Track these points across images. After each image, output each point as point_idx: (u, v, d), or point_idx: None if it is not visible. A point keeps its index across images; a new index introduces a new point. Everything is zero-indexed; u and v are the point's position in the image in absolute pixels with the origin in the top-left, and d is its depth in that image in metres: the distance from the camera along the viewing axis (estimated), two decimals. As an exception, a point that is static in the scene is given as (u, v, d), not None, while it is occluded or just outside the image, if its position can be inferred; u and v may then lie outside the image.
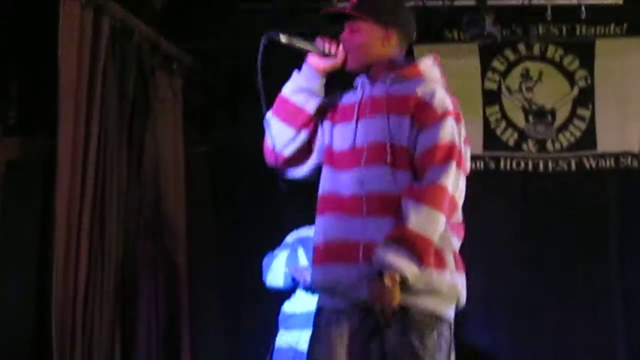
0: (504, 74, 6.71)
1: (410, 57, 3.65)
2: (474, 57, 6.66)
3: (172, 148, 6.16)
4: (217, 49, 6.55)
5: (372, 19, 3.44)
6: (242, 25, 6.45)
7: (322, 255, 3.38)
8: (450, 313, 3.34)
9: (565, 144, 6.64)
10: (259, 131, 6.43)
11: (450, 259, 3.31)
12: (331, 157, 3.46)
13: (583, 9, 6.05)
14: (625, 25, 6.62)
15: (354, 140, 3.39)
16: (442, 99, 3.34)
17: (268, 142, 3.53)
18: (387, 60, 3.45)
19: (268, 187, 6.39)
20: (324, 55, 3.44)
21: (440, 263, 3.27)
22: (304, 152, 3.53)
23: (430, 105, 3.31)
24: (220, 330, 6.62)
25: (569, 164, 6.63)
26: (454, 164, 3.26)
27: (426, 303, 3.25)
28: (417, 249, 3.17)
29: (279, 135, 3.48)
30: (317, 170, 3.54)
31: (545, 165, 6.65)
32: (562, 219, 6.52)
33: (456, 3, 6.05)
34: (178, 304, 6.06)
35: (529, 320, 6.43)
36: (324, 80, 3.50)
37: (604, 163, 6.61)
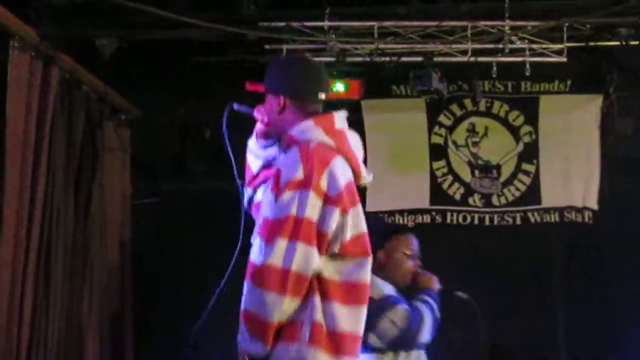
0: (451, 129, 6.79)
1: (327, 111, 3.55)
2: (421, 112, 6.73)
3: (119, 198, 6.14)
4: (165, 100, 6.57)
5: (266, 91, 3.54)
6: (189, 77, 6.49)
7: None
8: None
9: (510, 198, 6.72)
10: (205, 181, 6.55)
11: (304, 332, 3.21)
12: None
13: (528, 65, 6.14)
14: (569, 82, 6.76)
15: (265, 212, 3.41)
16: (290, 168, 3.27)
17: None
18: (290, 127, 3.45)
19: (214, 235, 6.50)
20: (254, 119, 3.56)
21: (291, 337, 3.21)
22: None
23: (278, 177, 3.28)
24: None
25: (514, 218, 6.71)
26: (284, 239, 3.17)
27: None
28: (255, 330, 3.18)
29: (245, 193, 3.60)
30: None
31: (491, 219, 6.71)
32: (508, 272, 6.57)
33: (403, 59, 6.11)
34: (123, 356, 6.00)
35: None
36: (263, 143, 3.56)
37: (548, 217, 6.69)
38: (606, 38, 6.25)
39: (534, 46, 6.14)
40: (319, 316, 3.22)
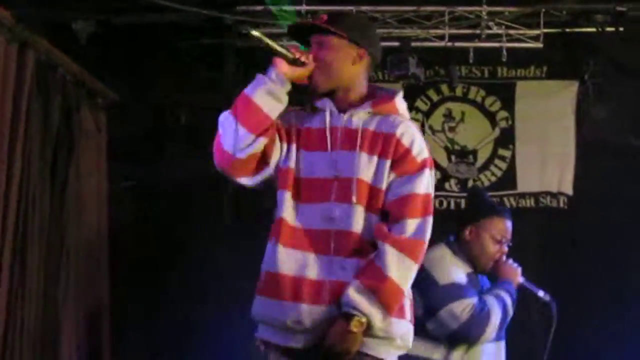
0: (427, 114, 6.80)
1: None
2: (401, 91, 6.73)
3: (95, 183, 6.12)
4: (141, 83, 6.55)
5: (346, 36, 3.29)
6: (166, 61, 6.47)
7: (278, 288, 3.20)
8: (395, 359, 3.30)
9: (486, 183, 6.74)
10: (183, 165, 6.53)
11: (408, 309, 3.29)
12: (296, 185, 3.26)
13: (504, 51, 6.17)
14: (545, 68, 6.78)
15: (326, 172, 3.24)
16: (422, 146, 3.28)
17: (222, 142, 3.20)
18: (359, 86, 3.34)
19: (192, 218, 6.50)
20: (292, 62, 3.22)
21: (401, 313, 3.24)
22: (257, 160, 3.25)
23: (411, 152, 3.24)
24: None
25: (491, 203, 6.72)
26: (430, 218, 3.23)
27: (379, 349, 3.21)
28: (391, 300, 3.14)
29: (236, 137, 3.18)
30: (265, 183, 3.31)
31: (467, 204, 6.73)
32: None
33: (380, 44, 6.11)
34: (100, 343, 6.00)
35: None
36: (290, 89, 3.24)
37: (524, 202, 6.73)
38: (582, 24, 6.29)
39: (511, 32, 6.18)
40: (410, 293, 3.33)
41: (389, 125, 3.27)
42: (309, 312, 3.15)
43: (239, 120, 3.18)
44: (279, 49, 3.23)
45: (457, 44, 6.18)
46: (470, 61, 6.29)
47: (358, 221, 3.19)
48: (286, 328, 3.18)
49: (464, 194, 6.70)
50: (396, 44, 6.11)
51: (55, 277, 5.48)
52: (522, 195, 6.74)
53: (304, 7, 5.94)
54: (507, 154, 6.77)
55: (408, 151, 3.24)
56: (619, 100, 6.78)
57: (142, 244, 6.61)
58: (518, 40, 6.19)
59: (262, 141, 3.22)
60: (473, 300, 4.31)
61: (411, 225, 3.18)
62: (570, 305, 6.43)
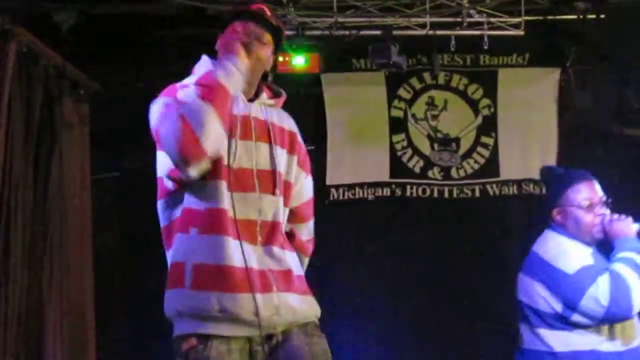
0: (410, 102, 6.82)
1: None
2: (381, 86, 6.76)
3: (78, 173, 6.11)
4: (124, 74, 6.54)
5: (273, 39, 3.29)
6: (148, 52, 6.46)
7: (215, 279, 3.11)
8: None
9: (469, 171, 6.77)
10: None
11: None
12: (225, 173, 3.13)
13: (486, 39, 6.18)
14: (527, 55, 6.81)
15: (252, 162, 3.20)
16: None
17: (198, 132, 2.98)
18: (257, 80, 3.31)
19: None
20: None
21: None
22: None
23: (306, 154, 3.46)
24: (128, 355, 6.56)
25: (473, 191, 6.76)
26: None
27: None
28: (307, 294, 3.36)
29: (217, 134, 3.03)
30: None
31: (450, 192, 6.76)
32: (467, 243, 6.64)
33: (362, 33, 6.13)
34: (85, 334, 5.99)
35: (434, 336, 6.54)
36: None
37: (506, 190, 6.75)
38: (564, 12, 6.30)
39: (492, 20, 6.19)
40: None
41: (289, 122, 3.39)
42: (262, 301, 3.12)
43: (219, 113, 3.03)
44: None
45: (439, 32, 6.18)
46: (452, 49, 6.30)
47: (280, 213, 3.26)
48: (238, 319, 3.12)
49: (447, 182, 6.72)
50: (378, 32, 6.11)
51: (39, 267, 5.47)
52: (505, 183, 6.77)
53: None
54: (489, 141, 6.79)
55: (305, 152, 3.42)
56: (600, 87, 6.81)
57: (126, 235, 6.62)
58: (499, 28, 6.20)
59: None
60: (606, 276, 3.96)
61: (309, 226, 3.48)
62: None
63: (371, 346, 6.47)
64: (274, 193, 3.22)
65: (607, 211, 4.21)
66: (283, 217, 3.28)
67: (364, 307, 6.53)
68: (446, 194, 6.74)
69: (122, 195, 6.76)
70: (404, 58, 6.19)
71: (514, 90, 6.82)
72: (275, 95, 3.39)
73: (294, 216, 3.38)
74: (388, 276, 6.53)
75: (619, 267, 3.99)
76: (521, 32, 6.19)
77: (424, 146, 6.77)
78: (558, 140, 6.74)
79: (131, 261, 6.50)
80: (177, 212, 3.22)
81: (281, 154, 3.27)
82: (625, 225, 4.14)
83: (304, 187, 3.42)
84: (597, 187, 4.26)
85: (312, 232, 3.47)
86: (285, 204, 3.29)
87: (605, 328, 4.04)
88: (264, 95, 3.34)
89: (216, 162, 3.09)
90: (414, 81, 6.82)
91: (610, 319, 3.98)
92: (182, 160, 3.00)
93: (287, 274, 3.22)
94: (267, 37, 3.27)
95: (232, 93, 3.09)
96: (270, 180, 3.21)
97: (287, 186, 3.30)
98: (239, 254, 3.10)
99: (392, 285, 6.45)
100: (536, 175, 6.69)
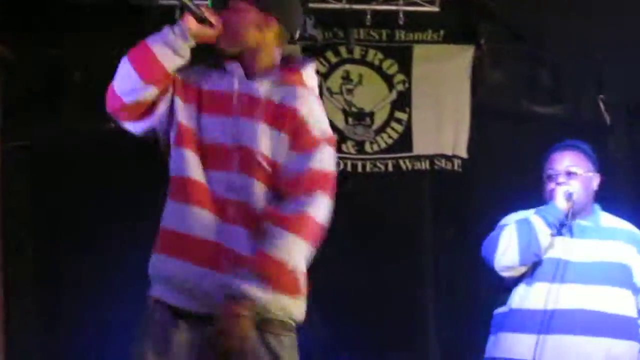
0: (325, 76, 6.80)
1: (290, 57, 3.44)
2: (315, 63, 6.72)
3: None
4: (37, 41, 6.43)
5: (252, 1, 3.26)
6: (59, 18, 6.35)
7: (178, 247, 3.17)
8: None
9: (383, 145, 6.80)
10: (77, 125, 6.44)
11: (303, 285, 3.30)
12: (199, 148, 3.22)
13: (401, 14, 6.23)
14: (442, 32, 6.84)
15: (228, 139, 3.21)
16: (320, 121, 3.23)
17: (114, 85, 3.18)
18: (267, 54, 3.29)
19: (89, 179, 6.42)
20: (201, 21, 3.18)
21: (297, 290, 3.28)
22: (145, 108, 3.21)
23: (308, 127, 3.19)
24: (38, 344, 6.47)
25: (387, 165, 6.79)
26: (324, 194, 3.16)
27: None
28: (277, 276, 3.14)
29: (125, 81, 3.15)
30: (151, 133, 3.28)
31: (364, 166, 6.79)
32: (381, 217, 6.69)
33: (299, 15, 6.10)
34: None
35: (352, 309, 6.60)
36: (193, 45, 3.20)
37: (419, 165, 6.79)
38: (478, -11, 6.38)
39: (408, -5, 6.22)
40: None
41: (291, 98, 3.22)
42: (212, 277, 3.12)
43: (132, 65, 3.14)
44: (189, 5, 3.21)
45: (355, 6, 6.20)
46: (368, 24, 6.32)
47: (257, 194, 3.17)
48: (185, 289, 3.15)
49: (361, 156, 6.75)
50: (294, 4, 6.09)
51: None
52: (418, 158, 6.81)
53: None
54: (403, 116, 6.83)
55: (305, 126, 3.20)
56: (513, 65, 6.90)
57: (37, 205, 6.54)
58: (415, 3, 6.25)
59: (152, 90, 3.17)
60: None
61: (298, 201, 3.14)
62: (464, 264, 6.60)
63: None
64: (250, 174, 3.18)
65: (571, 182, 4.41)
66: (260, 198, 3.18)
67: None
68: (359, 168, 6.77)
69: (34, 165, 6.64)
70: (319, 31, 6.20)
71: (429, 67, 6.86)
72: (286, 70, 3.33)
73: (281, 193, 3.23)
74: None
75: (511, 224, 4.42)
76: (436, 9, 6.25)
77: (339, 120, 6.77)
78: (470, 116, 6.80)
79: (43, 232, 6.42)
80: None
81: (269, 132, 3.20)
82: (558, 196, 4.37)
83: (292, 164, 3.20)
84: (569, 157, 4.49)
85: (298, 209, 3.15)
86: (268, 183, 3.20)
87: (534, 288, 4.34)
88: (272, 73, 3.29)
89: (183, 131, 3.22)
90: (330, 55, 6.82)
91: (486, 265, 4.47)
92: (109, 112, 3.23)
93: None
94: (233, 4, 3.29)
95: (156, 50, 3.14)
96: (249, 159, 3.19)
97: (272, 165, 3.19)
98: (200, 225, 3.15)
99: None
100: (449, 151, 6.78)
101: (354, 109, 6.82)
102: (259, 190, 3.17)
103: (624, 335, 4.33)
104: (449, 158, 6.76)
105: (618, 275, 4.36)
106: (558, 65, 6.84)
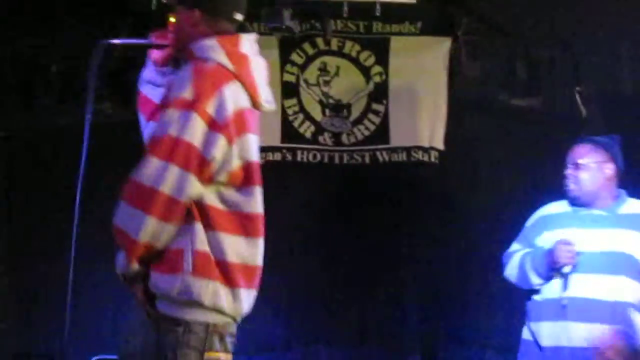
0: (303, 68, 6.80)
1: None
2: (274, 50, 6.73)
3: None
4: (12, 32, 6.39)
5: (175, 2, 3.43)
6: (34, 9, 6.32)
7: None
8: (195, 317, 3.23)
9: (360, 137, 6.80)
10: (54, 117, 6.40)
11: (187, 262, 3.16)
12: None
13: (378, 6, 6.23)
14: (419, 24, 6.84)
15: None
16: (180, 85, 3.20)
17: None
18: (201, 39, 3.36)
19: (65, 173, 6.37)
20: (158, 47, 3.43)
21: (173, 267, 3.17)
22: None
23: (168, 92, 3.24)
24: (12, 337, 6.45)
25: (364, 157, 6.79)
26: (153, 157, 3.12)
27: (161, 307, 3.23)
28: (122, 246, 3.18)
29: (141, 123, 3.48)
30: None
31: (341, 158, 6.78)
32: (358, 209, 6.70)
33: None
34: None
35: (329, 301, 6.66)
36: (163, 70, 3.47)
37: (396, 157, 6.79)
38: (453, -18, 6.39)
39: (385, -14, 6.22)
40: (202, 246, 3.17)
41: (175, 76, 3.37)
42: None
43: (137, 107, 3.49)
44: (140, 43, 3.51)
45: (332, -2, 6.20)
46: (345, 15, 6.32)
47: None
48: None
49: (338, 148, 6.75)
50: (271, -4, 6.10)
51: None
52: (395, 150, 6.81)
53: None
54: (380, 108, 6.83)
55: (167, 95, 3.25)
56: (490, 57, 6.91)
57: (14, 196, 6.51)
58: (392, -5, 6.25)
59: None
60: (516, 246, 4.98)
61: (141, 166, 3.15)
62: (442, 254, 6.63)
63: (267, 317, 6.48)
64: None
65: (580, 173, 4.75)
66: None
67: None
68: (336, 160, 6.77)
69: (9, 157, 6.62)
70: (296, 22, 6.18)
71: (406, 59, 6.86)
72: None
73: None
74: (277, 239, 6.55)
75: (518, 256, 4.86)
76: (413, 1, 6.24)
77: (316, 112, 6.78)
78: (447, 108, 6.81)
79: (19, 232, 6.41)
80: None
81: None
82: (562, 253, 4.59)
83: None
84: (579, 151, 4.82)
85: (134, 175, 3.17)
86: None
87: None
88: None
89: None
90: (307, 46, 6.81)
91: None
92: None
93: None
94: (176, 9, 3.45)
95: (139, 86, 3.55)
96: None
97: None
98: None
99: (288, 249, 6.45)
100: (425, 143, 6.79)
101: (331, 101, 6.82)
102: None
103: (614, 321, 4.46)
104: (425, 150, 6.77)
105: (624, 265, 4.54)
106: (535, 58, 6.85)
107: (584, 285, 4.53)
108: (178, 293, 3.15)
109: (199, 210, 3.19)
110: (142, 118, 3.50)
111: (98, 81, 3.41)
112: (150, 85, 3.46)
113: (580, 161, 4.74)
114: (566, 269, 4.59)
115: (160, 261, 3.17)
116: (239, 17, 3.48)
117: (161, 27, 3.51)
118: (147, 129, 3.40)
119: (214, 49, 3.28)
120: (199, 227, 3.18)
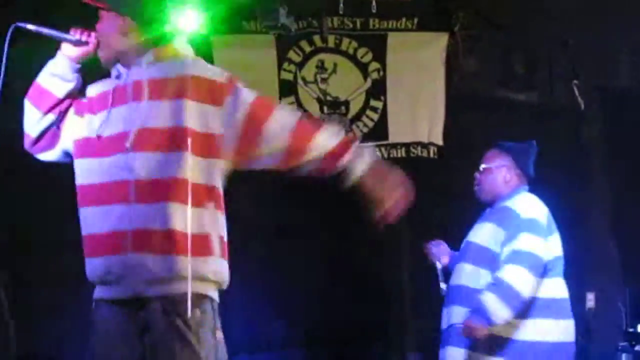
0: (300, 65, 6.81)
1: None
2: (271, 48, 6.74)
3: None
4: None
5: (108, 7, 3.39)
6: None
7: (92, 248, 3.30)
8: (213, 293, 3.30)
9: (358, 134, 6.80)
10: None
11: (216, 246, 3.26)
12: (88, 148, 3.35)
13: (374, 3, 6.23)
14: (415, 20, 6.86)
15: (109, 129, 3.30)
16: (216, 70, 3.37)
17: (23, 125, 3.50)
18: (136, 47, 3.36)
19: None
20: (77, 43, 3.38)
21: (205, 250, 3.23)
22: (52, 135, 3.46)
23: (215, 81, 3.28)
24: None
25: (362, 154, 6.78)
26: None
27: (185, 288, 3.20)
28: None
29: (28, 117, 3.46)
30: (68, 155, 3.46)
31: (340, 155, 6.77)
32: (357, 205, 6.69)
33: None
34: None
35: (328, 299, 6.65)
36: (77, 67, 3.43)
37: (395, 153, 6.81)
38: (452, -23, 6.40)
39: (381, -17, 6.22)
40: (222, 230, 3.31)
41: (178, 68, 3.32)
42: (116, 263, 3.22)
43: (30, 101, 3.44)
44: (57, 35, 3.41)
45: (328, -5, 6.21)
46: (341, 12, 6.32)
47: (162, 168, 3.21)
48: (104, 282, 3.27)
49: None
50: (266, -6, 6.11)
51: None
52: (394, 146, 6.83)
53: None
54: (378, 105, 6.84)
55: (212, 82, 3.28)
56: (487, 52, 6.92)
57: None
58: (388, -9, 6.26)
59: (50, 117, 3.44)
60: None
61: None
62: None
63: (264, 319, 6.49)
64: (148, 150, 3.23)
65: (481, 176, 5.12)
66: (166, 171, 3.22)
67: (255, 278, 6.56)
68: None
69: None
70: (292, 20, 6.19)
71: (403, 54, 6.88)
72: (158, 49, 3.39)
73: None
74: (276, 238, 6.57)
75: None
76: (409, -4, 6.25)
77: (314, 109, 6.79)
78: (445, 104, 6.82)
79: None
80: None
81: (159, 106, 3.25)
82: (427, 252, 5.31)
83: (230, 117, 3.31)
84: (487, 155, 5.14)
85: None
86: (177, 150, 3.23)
87: None
88: (145, 55, 3.36)
89: (78, 143, 3.41)
90: (304, 44, 6.82)
91: None
92: (26, 150, 3.53)
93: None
94: (100, 14, 3.43)
95: (42, 82, 3.44)
96: (147, 137, 3.24)
97: (179, 133, 3.23)
98: (96, 221, 3.30)
99: (279, 248, 6.46)
100: (424, 139, 6.79)
101: (329, 98, 6.83)
102: (164, 162, 3.22)
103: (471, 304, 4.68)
104: (424, 145, 6.79)
105: (480, 256, 4.80)
106: (532, 52, 6.86)
107: (455, 274, 4.90)
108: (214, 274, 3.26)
109: (216, 194, 3.30)
110: (36, 110, 3.42)
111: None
112: (57, 79, 3.42)
113: (482, 165, 5.08)
114: (438, 265, 5.20)
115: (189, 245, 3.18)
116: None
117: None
118: (67, 121, 3.44)
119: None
120: (216, 211, 3.30)
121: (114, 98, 3.33)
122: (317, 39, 6.82)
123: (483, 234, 4.87)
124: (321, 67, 6.85)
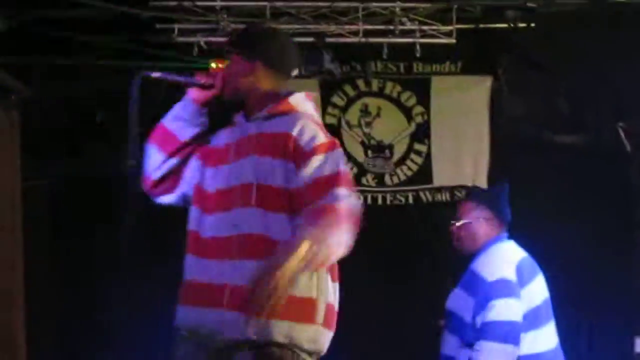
0: (344, 109, 6.84)
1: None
2: (314, 93, 6.74)
3: (9, 180, 6.04)
4: (57, 80, 6.48)
5: (236, 52, 3.47)
6: (80, 57, 6.40)
7: (187, 296, 3.33)
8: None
9: (402, 178, 6.81)
10: (98, 164, 6.47)
11: (319, 313, 3.27)
12: (202, 198, 3.40)
13: (418, 47, 6.23)
14: (459, 63, 6.86)
15: (225, 182, 3.33)
16: (312, 134, 3.27)
17: (144, 166, 3.46)
18: (259, 95, 3.40)
19: (107, 218, 6.43)
20: (202, 87, 3.45)
21: (306, 317, 3.23)
22: (173, 179, 3.47)
23: (301, 144, 3.24)
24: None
25: (407, 198, 6.79)
26: (341, 189, 3.23)
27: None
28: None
29: (150, 159, 3.44)
30: (185, 200, 3.48)
31: (384, 199, 6.79)
32: (403, 250, 6.68)
33: (296, 39, 6.13)
34: (14, 345, 5.91)
35: (370, 340, 6.64)
36: (202, 111, 3.48)
37: (439, 196, 6.80)
38: (495, 20, 6.39)
39: (424, 27, 6.23)
40: (331, 298, 3.34)
41: (283, 124, 3.31)
42: (211, 316, 3.21)
43: (152, 144, 3.45)
44: (183, 80, 3.49)
45: (372, 40, 6.22)
46: (385, 57, 6.34)
47: (261, 224, 3.21)
48: (196, 334, 3.27)
49: (381, 189, 6.76)
50: (311, 39, 6.13)
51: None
52: (438, 190, 6.82)
53: (218, 3, 5.96)
54: (422, 148, 6.84)
55: (299, 143, 3.25)
56: (531, 95, 6.90)
57: (58, 244, 6.55)
58: (432, 36, 6.25)
59: (173, 161, 3.45)
60: None
61: (319, 201, 3.17)
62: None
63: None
64: (250, 205, 3.24)
65: (457, 231, 4.97)
66: (265, 227, 3.22)
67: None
68: (380, 201, 6.78)
69: (53, 203, 6.68)
70: (337, 65, 6.22)
71: (447, 98, 6.88)
72: (274, 104, 3.40)
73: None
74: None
75: None
76: (453, 40, 6.24)
77: (358, 153, 6.80)
78: (490, 147, 6.80)
79: (62, 269, 6.43)
80: None
81: (269, 162, 3.27)
82: None
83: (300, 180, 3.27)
84: (459, 209, 5.06)
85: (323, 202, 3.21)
86: (277, 209, 3.24)
87: None
88: (264, 109, 3.38)
89: (195, 190, 3.44)
90: (348, 88, 6.85)
91: None
92: (146, 192, 3.51)
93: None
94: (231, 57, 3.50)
95: (167, 125, 3.46)
96: (247, 194, 3.26)
97: (274, 192, 3.25)
98: (199, 270, 3.31)
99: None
100: (468, 182, 6.77)
101: (373, 142, 6.84)
102: (260, 219, 3.22)
103: None
104: (469, 189, 6.75)
105: (459, 324, 4.69)
106: (577, 94, 6.82)
107: (442, 342, 4.85)
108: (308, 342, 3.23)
109: None
110: (159, 153, 3.43)
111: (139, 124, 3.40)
112: (182, 123, 3.46)
113: (461, 221, 4.93)
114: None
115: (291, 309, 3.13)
116: (295, 73, 3.57)
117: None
118: (197, 170, 3.44)
119: (307, 103, 3.48)
120: (327, 276, 3.30)
121: (235, 151, 3.36)
122: (361, 82, 6.85)
123: (457, 301, 4.78)
124: (365, 110, 6.86)
